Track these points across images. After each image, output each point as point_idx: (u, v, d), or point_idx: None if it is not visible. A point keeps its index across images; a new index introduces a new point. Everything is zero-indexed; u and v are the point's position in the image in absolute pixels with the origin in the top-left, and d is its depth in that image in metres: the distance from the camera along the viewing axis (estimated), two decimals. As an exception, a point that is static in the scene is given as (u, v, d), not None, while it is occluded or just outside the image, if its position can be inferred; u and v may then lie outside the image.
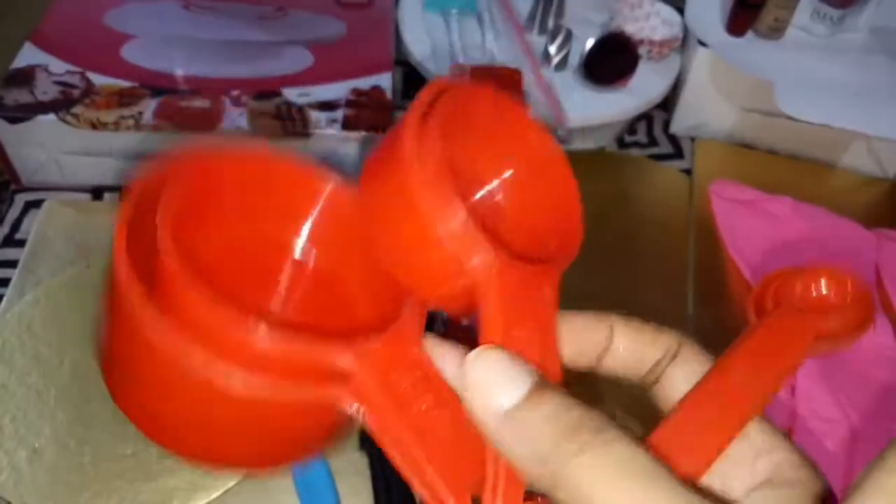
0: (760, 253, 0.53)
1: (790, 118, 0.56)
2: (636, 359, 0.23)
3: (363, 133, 0.50)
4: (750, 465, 0.21)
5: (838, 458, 0.41)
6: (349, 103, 0.52)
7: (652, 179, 0.60)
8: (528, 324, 0.21)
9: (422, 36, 0.60)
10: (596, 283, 0.49)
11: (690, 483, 0.19)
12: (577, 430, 0.18)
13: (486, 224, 0.21)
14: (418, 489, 0.20)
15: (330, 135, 0.50)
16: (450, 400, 0.21)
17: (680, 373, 0.23)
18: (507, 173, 0.25)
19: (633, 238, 0.54)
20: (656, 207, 0.57)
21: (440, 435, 0.20)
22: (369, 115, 0.51)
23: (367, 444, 0.42)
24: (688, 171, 0.60)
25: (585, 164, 0.59)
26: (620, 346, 0.23)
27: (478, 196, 0.25)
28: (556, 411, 0.18)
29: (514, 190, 0.25)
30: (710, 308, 0.50)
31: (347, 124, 0.51)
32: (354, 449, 0.42)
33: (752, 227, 0.55)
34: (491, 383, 0.19)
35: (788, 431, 0.42)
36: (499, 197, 0.25)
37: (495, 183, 0.25)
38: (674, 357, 0.23)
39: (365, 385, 0.20)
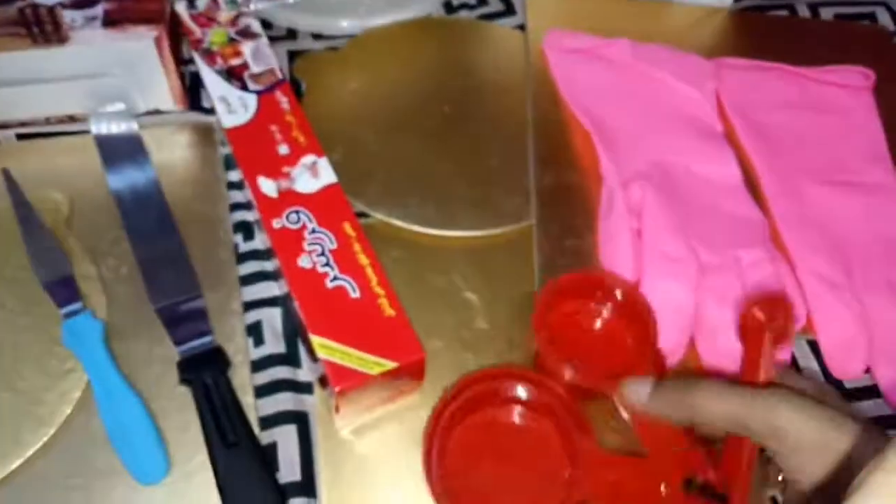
0: (601, 102, 0.50)
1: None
2: None
3: (131, 29, 0.43)
4: None
5: (688, 298, 0.39)
6: (113, -3, 0.44)
7: (484, 41, 0.55)
8: None
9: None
10: (434, 154, 0.47)
11: None
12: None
13: None
14: None
15: (90, 36, 0.43)
16: None
17: None
18: None
19: (471, 104, 0.50)
20: (492, 70, 0.53)
21: None
22: (136, 6, 0.44)
23: (188, 375, 0.38)
24: (522, 28, 0.55)
25: (414, 33, 0.55)
26: None
27: None
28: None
29: None
30: (551, 168, 0.47)
31: (109, 21, 0.43)
32: (174, 385, 0.38)
33: (590, 75, 0.51)
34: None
35: (636, 282, 0.40)
36: None
37: None
38: None
39: None
